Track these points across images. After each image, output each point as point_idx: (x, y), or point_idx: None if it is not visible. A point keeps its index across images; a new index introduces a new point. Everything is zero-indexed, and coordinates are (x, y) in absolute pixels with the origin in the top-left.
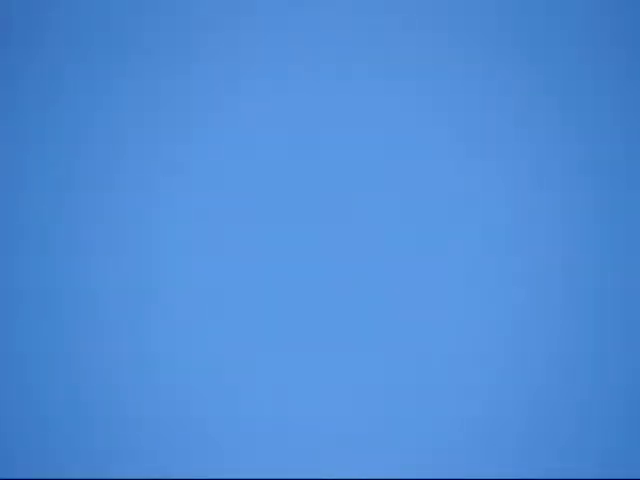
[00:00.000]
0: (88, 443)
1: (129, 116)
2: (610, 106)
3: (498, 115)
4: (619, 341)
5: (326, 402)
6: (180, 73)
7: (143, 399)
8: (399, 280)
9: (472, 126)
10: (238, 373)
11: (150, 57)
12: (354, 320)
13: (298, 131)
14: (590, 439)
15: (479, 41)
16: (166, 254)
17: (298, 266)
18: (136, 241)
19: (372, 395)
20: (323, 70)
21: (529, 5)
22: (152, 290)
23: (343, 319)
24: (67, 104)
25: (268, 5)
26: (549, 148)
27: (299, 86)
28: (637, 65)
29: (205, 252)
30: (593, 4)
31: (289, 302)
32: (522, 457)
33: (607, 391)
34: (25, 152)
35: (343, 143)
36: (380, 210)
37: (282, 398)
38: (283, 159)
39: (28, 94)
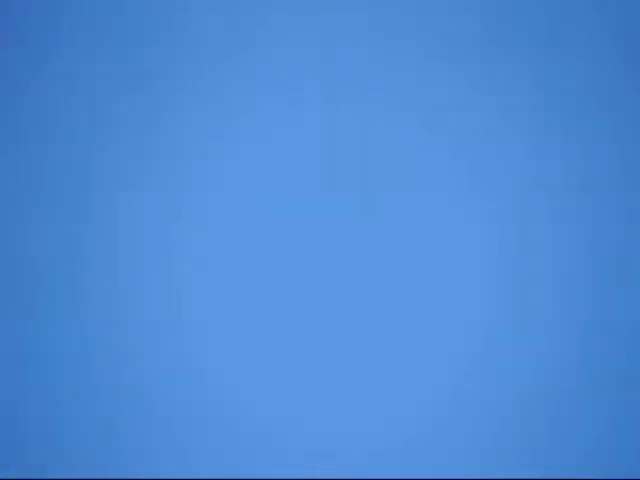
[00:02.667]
0: (88, 443)
1: (124, 113)
2: (610, 109)
3: (498, 117)
4: (620, 343)
5: (325, 403)
6: (187, 78)
7: (143, 399)
8: (400, 282)
9: (474, 129)
10: (238, 373)
11: (159, 62)
12: (354, 321)
13: (299, 133)
14: (590, 439)
15: (481, 46)
16: (166, 254)
17: (299, 267)
18: (135, 241)
19: (372, 396)
20: (327, 79)
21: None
22: (151, 289)
23: (342, 319)
24: (66, 105)
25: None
26: (550, 152)
27: (301, 89)
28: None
29: (205, 252)
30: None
31: (289, 303)
32: (522, 457)
33: (608, 392)
34: (25, 152)
35: (343, 144)
36: (381, 213)
37: (281, 399)
38: (284, 160)
39: (29, 97)
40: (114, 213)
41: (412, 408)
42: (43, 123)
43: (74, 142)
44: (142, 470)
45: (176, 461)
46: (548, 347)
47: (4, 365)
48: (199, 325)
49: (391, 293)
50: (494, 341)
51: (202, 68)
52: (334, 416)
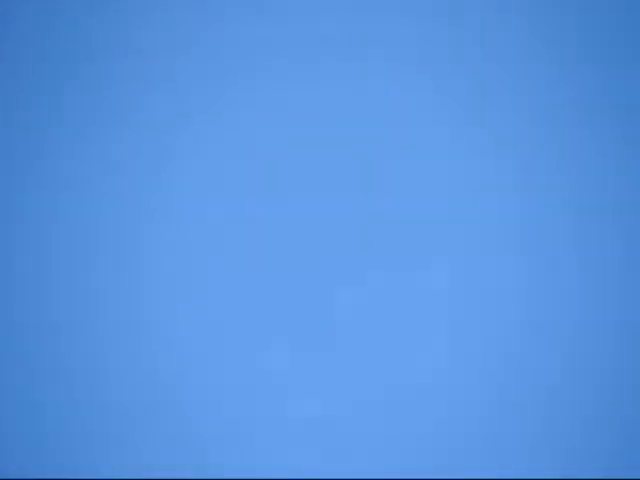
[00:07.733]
0: (87, 443)
1: (125, 113)
2: (613, 106)
3: (499, 115)
4: (618, 345)
5: (326, 402)
6: (179, 72)
7: (143, 399)
8: (399, 282)
9: (475, 126)
10: (238, 373)
11: (149, 56)
12: (353, 320)
13: (297, 128)
14: (590, 440)
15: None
16: (167, 252)
17: (297, 267)
18: (134, 241)
19: (372, 396)
20: (323, 67)
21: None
22: (150, 288)
23: (342, 319)
24: (65, 103)
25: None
26: (557, 150)
27: (298, 83)
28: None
29: (205, 251)
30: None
31: (290, 302)
32: (521, 457)
33: (607, 393)
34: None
35: (341, 141)
36: (381, 213)
37: (282, 398)
38: (281, 157)
39: (27, 96)
40: (107, 214)
41: (410, 408)
42: (47, 123)
43: (69, 141)
44: (141, 469)
45: (175, 461)
46: (549, 346)
47: (3, 364)
48: (199, 323)
49: (389, 295)
50: (492, 342)
51: (203, 69)
52: (333, 416)
